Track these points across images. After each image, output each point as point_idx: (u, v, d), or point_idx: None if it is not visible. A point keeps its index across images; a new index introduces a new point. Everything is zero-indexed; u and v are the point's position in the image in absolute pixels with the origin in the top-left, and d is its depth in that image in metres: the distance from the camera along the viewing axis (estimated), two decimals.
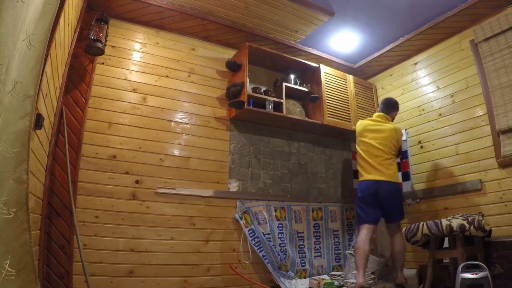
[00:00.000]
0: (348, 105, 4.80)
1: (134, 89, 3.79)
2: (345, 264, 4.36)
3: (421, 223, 3.25)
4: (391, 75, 5.13)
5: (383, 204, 3.72)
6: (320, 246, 4.39)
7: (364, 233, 3.64)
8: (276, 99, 4.26)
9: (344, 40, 4.69)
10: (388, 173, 3.75)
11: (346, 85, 4.91)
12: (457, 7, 3.90)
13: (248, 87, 4.21)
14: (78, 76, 3.49)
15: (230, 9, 3.99)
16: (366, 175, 3.80)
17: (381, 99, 5.09)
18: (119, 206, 3.41)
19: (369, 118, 4.15)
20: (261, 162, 4.36)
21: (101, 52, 3.50)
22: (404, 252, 3.80)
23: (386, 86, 5.18)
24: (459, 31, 4.19)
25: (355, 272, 3.89)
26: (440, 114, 4.27)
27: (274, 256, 3.87)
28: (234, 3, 3.89)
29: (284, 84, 4.43)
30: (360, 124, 4.03)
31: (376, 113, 4.09)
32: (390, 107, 4.11)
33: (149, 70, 3.94)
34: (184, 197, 3.74)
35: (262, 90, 4.32)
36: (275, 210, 4.18)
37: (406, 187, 4.48)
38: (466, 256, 2.98)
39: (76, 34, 3.39)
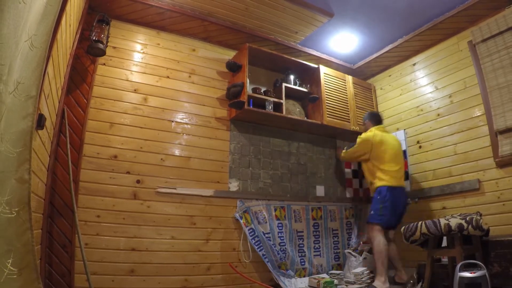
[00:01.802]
0: (347, 106, 4.83)
1: (135, 90, 3.82)
2: (344, 263, 4.38)
3: (420, 222, 3.26)
4: (390, 75, 5.15)
5: (400, 209, 3.97)
6: (319, 245, 4.41)
7: (383, 236, 3.79)
8: (276, 100, 4.29)
9: (343, 41, 4.71)
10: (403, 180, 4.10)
11: (345, 85, 4.93)
12: (455, 8, 3.92)
13: (248, 88, 4.24)
14: (79, 77, 3.51)
15: (230, 10, 4.02)
16: (396, 181, 3.96)
17: (380, 99, 5.20)
18: (120, 205, 3.44)
19: (377, 129, 4.26)
20: (261, 162, 4.38)
21: (102, 53, 3.52)
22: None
23: (385, 86, 5.20)
24: (457, 32, 4.21)
25: (354, 271, 3.90)
26: (438, 115, 4.29)
27: (274, 255, 3.89)
28: (234, 5, 3.91)
29: (284, 84, 4.45)
30: (376, 135, 4.14)
31: (381, 126, 4.34)
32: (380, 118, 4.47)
33: (150, 71, 3.97)
34: (184, 197, 3.76)
35: (262, 91, 4.34)
36: (275, 210, 4.21)
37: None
38: (464, 255, 2.98)
39: (78, 35, 3.41)
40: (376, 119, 4.39)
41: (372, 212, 3.93)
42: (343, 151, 4.55)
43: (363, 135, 4.25)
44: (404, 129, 4.71)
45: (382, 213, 3.84)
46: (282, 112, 4.27)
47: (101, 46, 3.46)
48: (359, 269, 3.86)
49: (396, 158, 4.05)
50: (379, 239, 3.74)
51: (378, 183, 4.00)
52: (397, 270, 3.87)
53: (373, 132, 4.17)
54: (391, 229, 3.99)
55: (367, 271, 3.79)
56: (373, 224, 3.86)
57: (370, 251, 4.05)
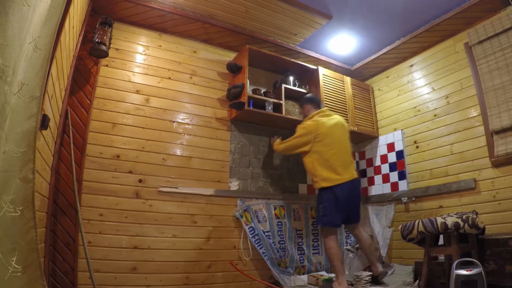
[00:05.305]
0: (346, 106, 4.86)
1: (137, 91, 3.87)
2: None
3: (417, 221, 3.28)
4: (387, 76, 5.19)
5: (352, 203, 3.74)
6: (318, 244, 4.43)
7: (335, 239, 3.61)
8: (275, 100, 4.33)
9: (341, 42, 4.76)
10: (354, 170, 3.81)
11: (344, 86, 4.97)
12: (452, 11, 3.97)
13: (248, 89, 4.30)
14: (82, 78, 3.56)
15: (230, 13, 4.07)
16: (339, 176, 3.63)
17: (378, 100, 5.22)
18: (123, 204, 3.48)
19: (320, 114, 3.92)
20: (261, 162, 4.44)
21: (105, 54, 3.56)
22: (373, 244, 3.92)
23: (383, 87, 5.24)
24: (453, 34, 4.26)
25: (356, 273, 3.81)
26: (435, 115, 4.33)
27: (274, 253, 3.94)
28: (235, 7, 3.96)
29: (284, 85, 4.49)
30: (321, 125, 3.78)
31: (322, 109, 4.01)
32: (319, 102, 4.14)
33: (152, 72, 4.02)
34: (186, 196, 3.81)
35: (262, 92, 4.38)
36: (275, 208, 4.25)
37: (402, 186, 4.57)
38: (461, 253, 3.01)
39: (81, 37, 3.45)
40: (316, 102, 4.06)
41: (316, 215, 3.75)
42: (277, 141, 4.20)
43: (305, 124, 3.88)
44: (402, 129, 4.75)
45: (324, 213, 3.61)
46: (281, 113, 4.32)
47: (103, 47, 3.49)
48: (361, 273, 3.84)
49: (341, 149, 3.75)
50: (328, 241, 3.57)
51: (317, 185, 3.73)
52: (372, 265, 3.77)
53: (316, 121, 3.82)
54: (353, 224, 3.83)
55: (368, 274, 3.78)
56: (322, 228, 3.72)
57: None
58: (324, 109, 4.04)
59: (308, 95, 4.21)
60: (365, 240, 3.81)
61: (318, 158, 3.72)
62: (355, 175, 3.77)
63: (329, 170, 3.66)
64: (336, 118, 3.97)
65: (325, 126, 3.78)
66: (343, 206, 3.60)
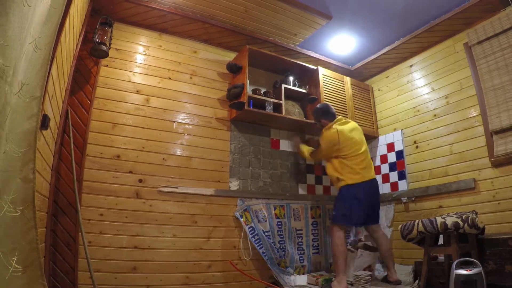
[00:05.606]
0: (346, 106, 4.87)
1: (137, 91, 3.87)
2: None
3: (417, 221, 3.28)
4: (387, 77, 5.20)
5: (373, 202, 3.85)
6: (318, 243, 4.44)
7: (344, 237, 3.74)
8: (275, 100, 4.34)
9: (341, 43, 4.76)
10: (373, 171, 3.95)
11: (344, 86, 4.97)
12: (452, 11, 3.97)
13: (248, 89, 4.30)
14: (83, 78, 3.56)
15: (230, 13, 4.07)
16: (361, 176, 3.78)
17: (377, 100, 5.23)
18: (123, 204, 3.48)
19: (338, 123, 4.00)
20: (261, 162, 4.44)
21: (105, 54, 3.56)
22: (391, 249, 3.97)
23: (383, 87, 5.25)
24: (453, 34, 4.26)
25: (356, 273, 3.85)
26: (435, 115, 4.34)
27: (274, 253, 3.94)
28: (235, 7, 3.96)
29: (283, 85, 4.50)
30: (340, 133, 3.87)
31: (339, 117, 4.09)
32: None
33: (152, 72, 4.02)
34: (186, 196, 3.81)
35: (262, 92, 4.39)
36: (275, 208, 4.25)
37: (401, 186, 4.58)
38: (460, 253, 3.01)
39: (81, 37, 3.45)
40: (331, 114, 4.09)
41: (334, 212, 3.82)
42: (306, 152, 4.32)
43: (327, 135, 3.96)
44: (402, 130, 4.76)
45: (343, 212, 3.73)
46: (281, 113, 4.32)
47: (104, 48, 3.49)
48: (361, 272, 3.85)
49: (360, 152, 3.88)
50: (337, 239, 3.68)
51: (342, 182, 3.84)
52: (388, 270, 3.82)
53: (336, 130, 3.90)
54: (375, 224, 3.91)
55: (367, 274, 3.79)
56: (333, 225, 3.79)
57: (365, 247, 4.07)
58: (340, 117, 4.13)
59: (321, 108, 4.17)
60: (385, 244, 3.88)
61: (341, 162, 3.88)
62: (374, 175, 3.93)
63: (351, 171, 3.81)
64: (352, 123, 4.13)
65: (345, 133, 3.91)
66: (365, 204, 3.74)
